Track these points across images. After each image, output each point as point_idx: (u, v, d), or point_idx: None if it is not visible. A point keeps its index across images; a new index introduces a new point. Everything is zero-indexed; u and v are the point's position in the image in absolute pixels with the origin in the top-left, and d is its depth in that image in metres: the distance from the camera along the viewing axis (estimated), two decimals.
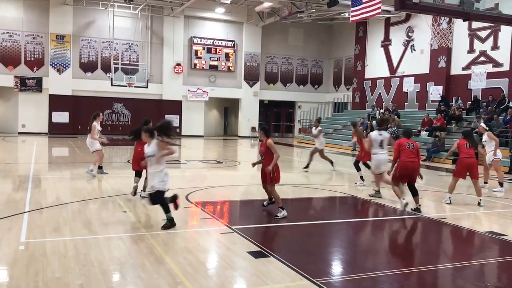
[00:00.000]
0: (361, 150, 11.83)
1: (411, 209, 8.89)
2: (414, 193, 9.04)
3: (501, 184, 11.82)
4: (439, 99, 23.72)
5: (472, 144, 9.84)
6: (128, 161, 16.34)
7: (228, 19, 31.25)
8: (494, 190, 11.65)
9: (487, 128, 12.44)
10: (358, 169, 12.24)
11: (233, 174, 14.45)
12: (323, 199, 10.35)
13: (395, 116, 23.90)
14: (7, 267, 5.24)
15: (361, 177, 12.14)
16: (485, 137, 12.11)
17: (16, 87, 26.94)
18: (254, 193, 10.47)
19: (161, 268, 5.28)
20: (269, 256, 5.79)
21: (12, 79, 26.82)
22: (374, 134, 10.31)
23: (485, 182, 12.17)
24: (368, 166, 11.76)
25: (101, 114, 12.91)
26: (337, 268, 5.79)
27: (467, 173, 9.68)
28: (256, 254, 5.85)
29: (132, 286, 4.79)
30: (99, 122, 12.41)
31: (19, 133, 27.14)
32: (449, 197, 9.85)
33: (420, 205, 8.97)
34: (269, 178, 7.99)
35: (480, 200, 9.68)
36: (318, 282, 4.96)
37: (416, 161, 8.99)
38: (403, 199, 8.95)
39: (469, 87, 22.78)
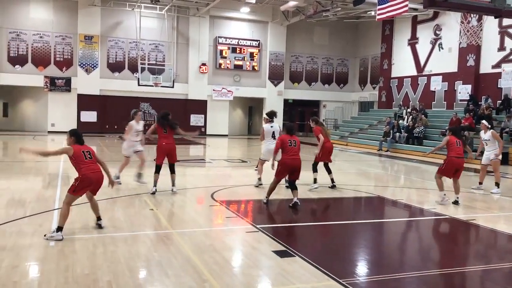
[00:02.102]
0: (321, 149, 10.70)
1: (290, 204, 8.57)
2: (293, 188, 8.67)
3: (497, 185, 11.40)
4: (468, 98, 23.26)
5: (461, 142, 9.70)
6: (154, 160, 16.52)
7: (253, 19, 31.30)
8: (492, 191, 11.30)
9: (489, 126, 11.92)
10: (315, 170, 10.94)
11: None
12: (348, 199, 10.27)
13: (423, 116, 23.54)
14: (38, 262, 5.36)
15: (315, 180, 10.94)
16: (487, 136, 11.52)
17: (46, 87, 27.57)
18: (279, 192, 10.45)
19: (188, 266, 5.33)
20: (295, 256, 5.78)
21: (42, 79, 27.46)
22: (266, 126, 10.73)
23: (480, 183, 11.72)
24: (328, 170, 11.04)
25: (139, 112, 11.55)
26: (363, 268, 5.74)
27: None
28: (282, 254, 5.85)
29: (158, 284, 4.85)
30: (138, 122, 11.11)
31: (48, 132, 27.77)
32: (444, 195, 9.51)
33: (297, 201, 8.60)
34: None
35: (458, 198, 9.49)
36: (344, 283, 4.93)
37: (297, 159, 8.61)
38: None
39: (499, 86, 22.27)
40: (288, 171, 8.63)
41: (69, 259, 5.41)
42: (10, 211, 7.80)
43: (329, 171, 11.01)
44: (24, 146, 7.04)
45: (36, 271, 5.13)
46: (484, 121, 12.27)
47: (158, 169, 9.61)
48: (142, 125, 11.16)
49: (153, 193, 9.39)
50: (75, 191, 6.32)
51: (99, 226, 6.73)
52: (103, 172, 6.59)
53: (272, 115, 10.85)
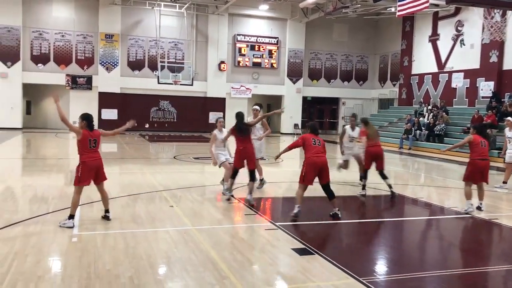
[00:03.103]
0: (367, 157, 9.86)
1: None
2: (331, 196, 7.80)
3: (505, 183, 11.35)
4: (490, 95, 22.85)
5: (487, 143, 8.64)
6: (174, 157, 16.67)
7: (272, 16, 31.25)
8: (495, 186, 11.22)
9: None
10: (365, 176, 10.15)
11: (276, 170, 14.45)
12: (368, 198, 10.19)
13: (444, 113, 23.23)
14: (61, 258, 5.47)
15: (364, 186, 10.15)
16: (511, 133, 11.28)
17: (67, 85, 27.99)
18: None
19: (207, 262, 5.37)
20: (314, 254, 5.77)
21: (64, 78, 27.89)
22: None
23: (505, 182, 11.44)
24: (383, 176, 9.96)
25: (221, 119, 9.82)
26: (382, 267, 5.71)
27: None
28: (301, 251, 5.85)
29: (179, 280, 4.90)
30: (221, 130, 9.57)
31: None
32: (471, 204, 8.47)
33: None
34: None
35: (481, 204, 8.65)
36: (364, 281, 4.91)
37: (323, 156, 7.62)
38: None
39: None
40: (315, 170, 7.49)
41: (91, 255, 5.50)
42: (34, 207, 7.96)
43: (384, 177, 9.88)
44: (57, 98, 7.10)
45: (59, 266, 5.23)
46: (509, 118, 11.96)
47: (234, 174, 8.89)
48: (225, 133, 9.57)
49: (229, 199, 8.87)
50: (80, 181, 6.73)
51: (107, 218, 7.03)
52: (122, 128, 7.39)
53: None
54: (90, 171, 6.76)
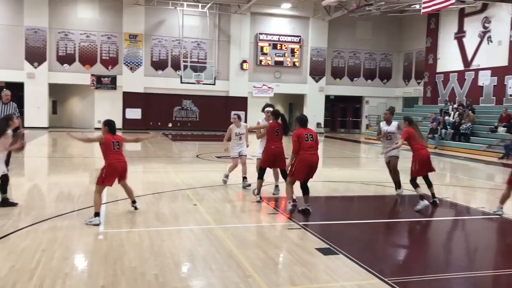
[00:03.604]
0: (414, 161, 8.51)
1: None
2: (306, 191, 7.79)
3: None
4: None
5: None
6: (197, 156, 16.77)
7: (294, 15, 31.15)
8: None
9: None
10: (416, 185, 8.55)
11: None
12: (391, 197, 10.06)
13: (470, 111, 22.79)
14: (88, 255, 5.55)
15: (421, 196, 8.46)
16: None
17: (92, 85, 28.44)
18: (319, 190, 10.39)
19: (231, 261, 5.38)
20: (338, 254, 5.72)
21: (89, 78, 28.35)
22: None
23: None
24: (428, 182, 8.92)
25: (235, 116, 10.45)
26: (408, 267, 5.63)
27: None
28: (325, 251, 5.81)
29: (203, 278, 4.92)
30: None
31: (95, 128, 28.62)
32: (501, 208, 8.03)
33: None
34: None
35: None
36: (389, 282, 4.85)
37: (316, 155, 7.68)
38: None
39: None
40: (306, 168, 7.53)
41: (117, 252, 5.57)
42: (60, 205, 8.10)
43: (429, 184, 8.88)
44: (70, 135, 7.42)
45: (86, 263, 5.31)
46: None
47: (261, 174, 8.64)
48: (243, 127, 10.32)
49: (259, 201, 8.50)
50: (103, 181, 6.92)
51: (135, 208, 7.48)
52: (146, 137, 7.93)
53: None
54: (114, 174, 7.01)
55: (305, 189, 7.80)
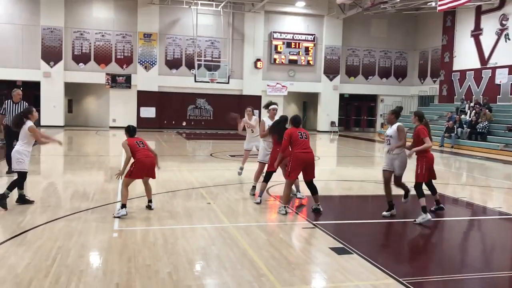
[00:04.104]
0: (421, 164, 7.50)
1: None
2: (313, 191, 7.80)
3: None
4: None
5: None
6: (211, 155, 16.81)
7: (308, 13, 31.03)
8: None
9: None
10: (421, 193, 7.52)
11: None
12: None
13: (487, 110, 22.48)
14: (102, 253, 5.59)
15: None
16: None
17: (107, 83, 28.67)
18: (333, 189, 10.35)
19: (245, 259, 5.38)
20: (352, 253, 5.69)
21: (104, 76, 28.57)
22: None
23: None
24: (432, 189, 8.20)
25: (248, 108, 11.41)
26: (423, 268, 5.57)
27: None
28: (339, 250, 5.78)
29: (217, 276, 4.93)
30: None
31: (110, 127, 28.87)
32: None
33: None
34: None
35: None
36: (404, 282, 4.80)
37: (311, 152, 7.66)
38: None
39: None
40: (301, 166, 7.55)
41: (131, 250, 5.60)
42: (75, 203, 8.17)
43: (433, 191, 8.11)
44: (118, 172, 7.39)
45: (101, 260, 5.35)
46: None
47: (268, 177, 8.46)
48: (254, 120, 10.86)
49: (258, 202, 8.39)
50: (130, 175, 7.22)
51: (149, 208, 7.63)
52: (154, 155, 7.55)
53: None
54: (143, 169, 7.26)
55: (312, 188, 7.78)
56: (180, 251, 5.61)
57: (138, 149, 7.32)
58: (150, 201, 7.70)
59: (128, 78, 28.91)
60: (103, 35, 28.60)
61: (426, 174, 7.51)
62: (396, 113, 7.84)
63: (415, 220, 7.26)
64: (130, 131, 7.56)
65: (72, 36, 28.17)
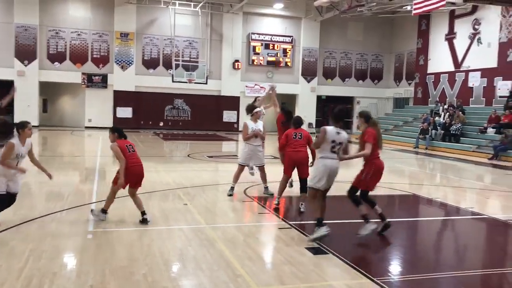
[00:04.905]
0: (368, 171, 6.53)
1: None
2: (302, 190, 7.87)
3: None
4: (508, 94, 22.52)
5: None
6: (188, 156, 16.74)
7: (286, 15, 31.18)
8: None
9: None
10: (357, 201, 6.69)
11: None
12: (382, 197, 10.10)
13: (460, 112, 22.96)
14: (77, 254, 5.52)
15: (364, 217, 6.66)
16: None
17: (83, 83, 28.27)
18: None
19: (221, 260, 5.38)
20: (328, 253, 5.75)
21: (80, 76, 28.16)
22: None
23: None
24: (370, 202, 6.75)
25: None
26: (397, 267, 5.66)
27: None
28: (315, 251, 5.83)
29: (193, 277, 4.91)
30: (255, 120, 9.20)
31: (85, 127, 28.48)
32: None
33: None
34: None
35: None
36: (378, 281, 4.87)
37: (302, 151, 7.85)
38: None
39: None
40: (292, 164, 7.89)
41: (106, 252, 5.54)
42: (50, 204, 8.05)
43: (372, 203, 6.72)
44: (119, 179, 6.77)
45: (75, 262, 5.28)
46: None
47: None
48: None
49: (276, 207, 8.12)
50: (118, 183, 6.72)
51: (145, 221, 6.74)
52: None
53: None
54: (132, 177, 6.71)
55: (302, 187, 7.90)
56: (156, 253, 5.57)
57: (128, 155, 6.69)
58: (144, 213, 6.81)
59: (104, 78, 28.56)
60: (79, 34, 28.19)
61: (373, 182, 6.55)
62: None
63: (359, 233, 6.43)
64: (120, 131, 6.89)
65: (47, 35, 27.69)
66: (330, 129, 6.24)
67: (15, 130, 6.40)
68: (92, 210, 7.01)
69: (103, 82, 28.56)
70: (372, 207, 6.64)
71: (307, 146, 7.94)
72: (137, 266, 5.11)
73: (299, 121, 8.15)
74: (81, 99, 29.10)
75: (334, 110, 6.57)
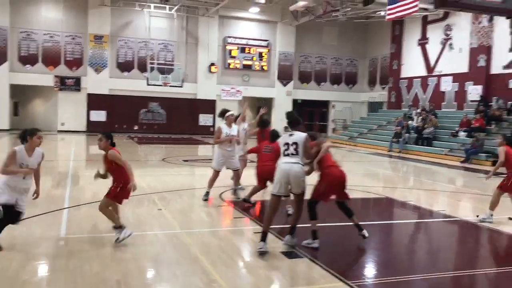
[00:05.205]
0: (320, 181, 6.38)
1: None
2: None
3: None
4: (478, 99, 23.08)
5: None
6: (163, 159, 16.58)
7: (262, 19, 31.29)
8: None
9: None
10: (313, 214, 6.33)
11: None
12: (356, 200, 10.20)
13: (432, 116, 23.40)
14: (48, 261, 5.39)
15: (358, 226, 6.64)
16: None
17: (56, 86, 27.75)
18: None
19: (196, 266, 5.34)
20: (303, 257, 5.76)
21: (52, 79, 27.65)
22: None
23: None
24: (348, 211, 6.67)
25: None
26: (371, 270, 5.72)
27: None
28: (290, 255, 5.83)
29: (167, 283, 4.86)
30: (229, 125, 9.10)
31: (58, 131, 27.95)
32: (492, 215, 7.96)
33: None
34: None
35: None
36: (352, 284, 4.91)
37: (268, 165, 7.73)
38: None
39: (510, 87, 22.05)
40: (262, 178, 8.05)
41: (78, 258, 5.44)
42: None
43: (348, 213, 6.60)
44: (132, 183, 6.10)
45: (46, 270, 5.16)
46: None
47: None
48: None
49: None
50: (115, 197, 6.07)
51: (117, 240, 6.02)
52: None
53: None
54: (128, 193, 6.15)
55: None
56: (129, 259, 5.49)
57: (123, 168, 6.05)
58: (121, 227, 6.07)
59: (77, 81, 28.10)
60: (51, 36, 27.69)
61: (328, 193, 6.30)
62: (288, 117, 6.46)
63: (303, 243, 6.20)
64: (112, 137, 6.14)
65: (18, 36, 27.10)
66: (284, 135, 6.25)
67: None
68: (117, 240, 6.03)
69: (76, 85, 28.10)
70: (311, 218, 6.25)
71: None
72: (110, 272, 5.03)
73: (274, 135, 8.06)
74: (54, 102, 28.57)
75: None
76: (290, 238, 6.17)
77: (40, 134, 5.85)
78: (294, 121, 6.26)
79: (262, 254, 5.71)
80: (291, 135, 6.04)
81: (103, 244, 6.01)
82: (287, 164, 5.93)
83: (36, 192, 6.06)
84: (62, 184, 10.78)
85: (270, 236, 6.67)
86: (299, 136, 6.00)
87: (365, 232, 6.50)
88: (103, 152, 6.22)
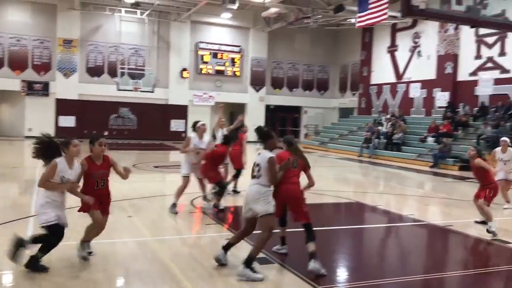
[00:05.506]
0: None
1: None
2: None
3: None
4: (446, 105, 23.65)
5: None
6: (134, 166, 16.36)
7: (234, 25, 31.33)
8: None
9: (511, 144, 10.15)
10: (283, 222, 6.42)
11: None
12: (327, 205, 10.29)
13: (402, 122, 23.84)
14: (12, 272, 5.23)
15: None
16: (508, 156, 9.91)
17: (23, 91, 27.10)
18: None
19: (166, 274, 5.27)
20: (274, 263, 5.77)
21: (19, 83, 26.99)
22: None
23: (508, 202, 10.06)
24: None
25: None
26: (342, 275, 5.76)
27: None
28: (261, 261, 5.81)
29: None
30: (201, 136, 8.71)
31: (25, 137, 27.24)
32: (495, 225, 7.62)
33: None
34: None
35: (490, 227, 7.62)
36: None
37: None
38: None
39: (476, 93, 22.70)
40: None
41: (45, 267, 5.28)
42: None
43: (309, 237, 5.88)
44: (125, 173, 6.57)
45: (10, 280, 5.01)
46: (506, 138, 10.40)
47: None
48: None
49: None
50: (82, 209, 5.84)
51: (85, 258, 5.63)
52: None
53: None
54: (84, 204, 5.86)
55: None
56: (98, 267, 5.38)
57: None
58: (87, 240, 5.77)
59: (45, 86, 27.52)
60: (18, 40, 27.05)
61: (279, 208, 5.87)
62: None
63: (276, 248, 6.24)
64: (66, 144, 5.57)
65: None
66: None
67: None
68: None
69: (45, 90, 27.51)
70: (280, 225, 6.24)
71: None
72: (78, 283, 4.92)
73: (226, 138, 8.81)
74: (21, 107, 27.86)
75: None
76: (222, 254, 5.62)
77: (76, 142, 5.44)
78: (262, 136, 5.74)
79: (217, 261, 5.52)
80: (259, 154, 5.65)
81: (71, 253, 5.86)
82: (248, 187, 5.61)
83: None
84: (29, 191, 10.49)
85: (244, 244, 6.65)
86: (263, 157, 5.52)
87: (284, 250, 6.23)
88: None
